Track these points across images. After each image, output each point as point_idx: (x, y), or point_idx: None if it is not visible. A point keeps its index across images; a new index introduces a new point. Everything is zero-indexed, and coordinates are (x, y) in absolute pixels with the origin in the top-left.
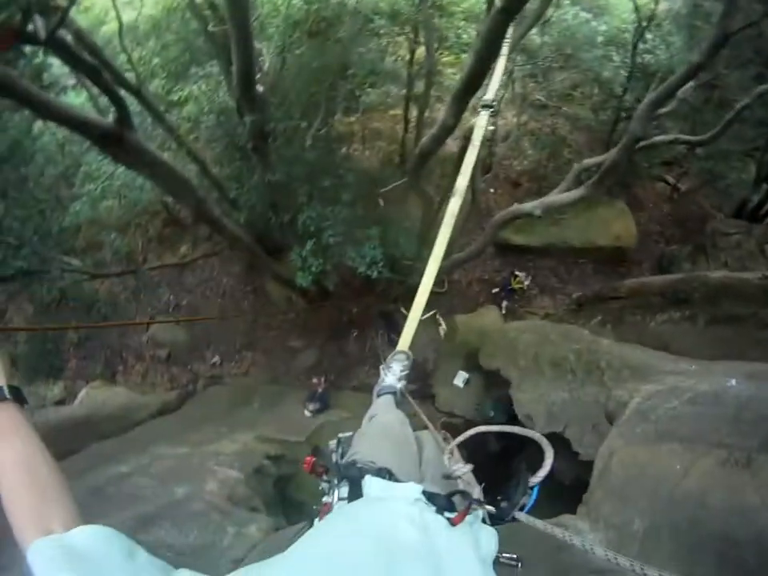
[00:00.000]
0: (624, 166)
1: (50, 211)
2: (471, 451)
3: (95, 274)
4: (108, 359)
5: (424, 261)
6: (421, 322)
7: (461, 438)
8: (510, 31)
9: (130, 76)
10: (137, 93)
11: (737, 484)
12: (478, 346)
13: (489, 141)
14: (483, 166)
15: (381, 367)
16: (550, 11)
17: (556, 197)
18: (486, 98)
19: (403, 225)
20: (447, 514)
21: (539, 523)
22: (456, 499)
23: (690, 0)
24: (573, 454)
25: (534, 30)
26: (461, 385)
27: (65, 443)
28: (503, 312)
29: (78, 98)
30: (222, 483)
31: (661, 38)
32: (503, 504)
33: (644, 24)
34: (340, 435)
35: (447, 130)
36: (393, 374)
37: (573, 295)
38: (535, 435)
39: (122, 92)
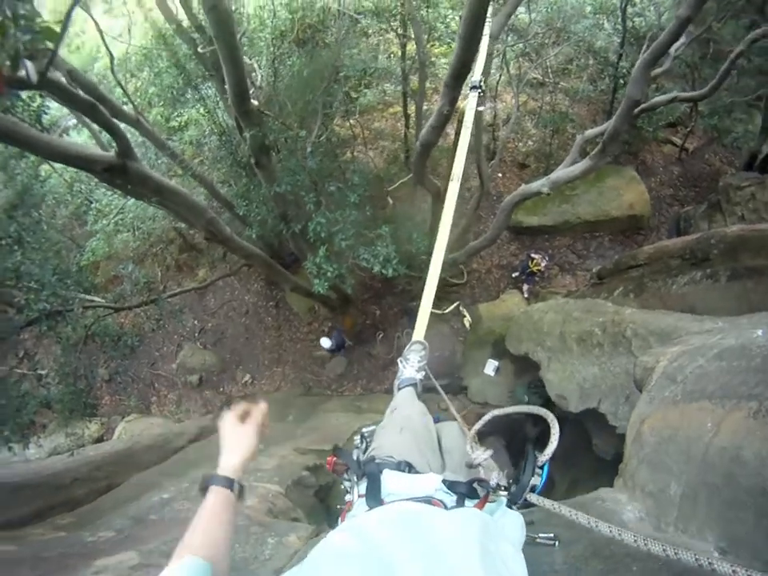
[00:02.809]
0: (626, 131)
1: (67, 251)
2: (509, 439)
3: (117, 308)
4: (141, 391)
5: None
6: (444, 316)
7: (478, 426)
8: (489, 11)
9: (127, 108)
10: (136, 123)
11: None
12: (504, 333)
13: (491, 125)
14: (488, 152)
15: (399, 360)
16: None
17: (562, 172)
18: (472, 79)
19: (414, 220)
20: (468, 502)
21: (548, 503)
22: (477, 486)
23: None
24: (611, 429)
25: (521, 9)
26: (491, 373)
27: (106, 478)
28: (525, 295)
29: (80, 136)
30: (261, 498)
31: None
32: (513, 488)
33: None
34: (363, 430)
35: (444, 119)
36: (411, 365)
37: (593, 269)
38: (541, 411)
39: (122, 125)
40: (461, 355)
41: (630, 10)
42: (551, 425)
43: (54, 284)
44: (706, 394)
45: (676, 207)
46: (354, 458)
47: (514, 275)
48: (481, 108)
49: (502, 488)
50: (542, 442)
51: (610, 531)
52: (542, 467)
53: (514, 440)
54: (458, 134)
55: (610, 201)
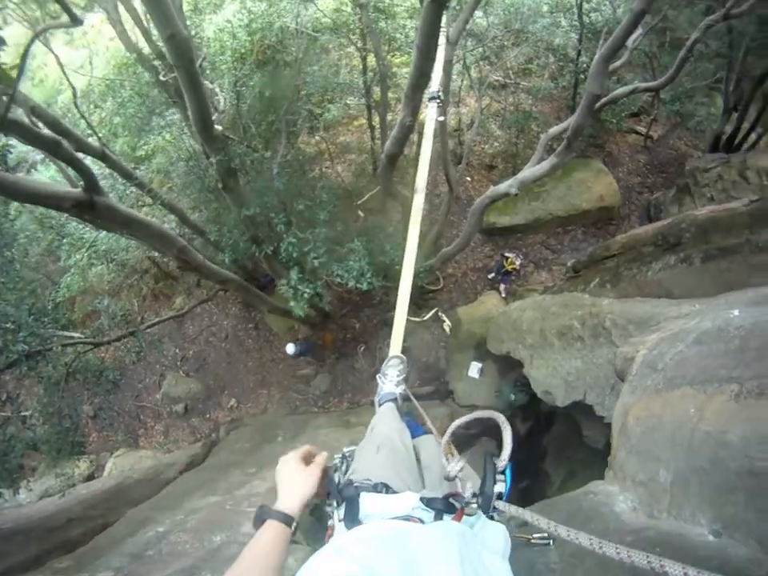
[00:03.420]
0: (589, 125)
1: (42, 289)
2: (499, 440)
3: (96, 343)
4: (127, 425)
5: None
6: (424, 323)
7: (445, 438)
8: (445, 19)
9: (93, 140)
10: (102, 156)
11: (754, 415)
12: (485, 334)
13: (456, 130)
14: (455, 157)
15: (377, 376)
16: None
17: (529, 171)
18: (431, 90)
19: (387, 231)
20: (447, 517)
21: (513, 509)
22: (453, 501)
23: None
24: (600, 419)
25: (478, 13)
26: (476, 376)
27: (101, 516)
28: (503, 295)
29: (47, 171)
30: None
31: None
32: (479, 499)
33: None
34: (345, 450)
35: (407, 130)
36: (389, 380)
37: (568, 263)
38: (493, 414)
39: (88, 158)
40: (444, 360)
41: (585, 6)
42: (503, 428)
43: (31, 324)
44: (687, 380)
45: (645, 195)
46: (336, 481)
47: (490, 276)
48: (441, 118)
49: (475, 500)
50: (531, 437)
51: (591, 543)
52: (503, 473)
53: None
54: (420, 144)
55: (579, 194)
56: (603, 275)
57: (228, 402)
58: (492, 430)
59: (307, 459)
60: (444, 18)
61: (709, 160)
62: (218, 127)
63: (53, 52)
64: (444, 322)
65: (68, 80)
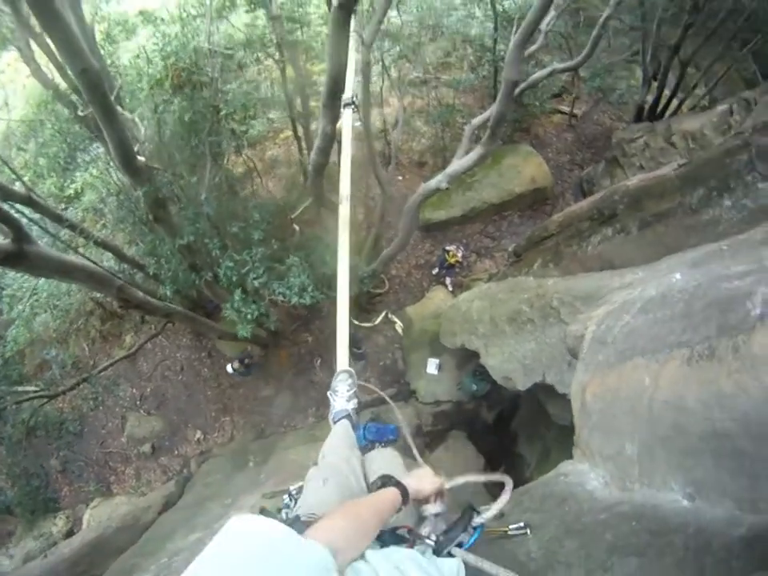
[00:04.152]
0: (512, 111)
1: None
2: (470, 430)
3: (50, 396)
4: (97, 474)
5: (355, 268)
6: (376, 327)
7: (450, 485)
8: (353, 24)
9: (18, 185)
10: (29, 202)
11: (708, 377)
12: (438, 330)
13: (382, 131)
14: (384, 158)
15: (328, 394)
16: None
17: (457, 164)
18: (345, 96)
19: (325, 241)
20: (394, 547)
21: (472, 558)
22: (404, 533)
23: None
24: (562, 396)
25: (392, 12)
26: (435, 372)
27: (86, 573)
28: (450, 288)
29: None
30: None
31: None
32: (441, 538)
33: None
34: (291, 488)
35: (329, 139)
36: (341, 396)
37: (509, 248)
38: (498, 476)
39: (16, 205)
40: (402, 361)
41: None
42: (503, 492)
43: None
44: (638, 351)
45: (576, 171)
46: (283, 518)
47: (434, 272)
48: (357, 123)
49: (432, 538)
50: (498, 426)
51: None
52: (475, 528)
53: (475, 429)
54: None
55: (511, 179)
56: (545, 256)
57: (194, 434)
58: (462, 425)
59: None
60: (355, 22)
61: (634, 130)
62: (141, 158)
63: None
64: (395, 323)
65: None
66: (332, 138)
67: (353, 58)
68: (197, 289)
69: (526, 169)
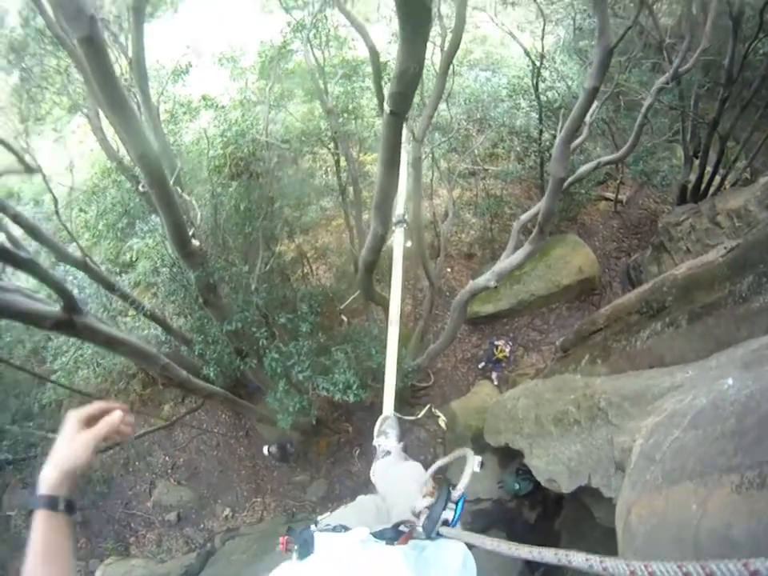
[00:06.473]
0: (558, 208)
1: (24, 395)
2: (509, 528)
3: None
4: (117, 532)
5: (400, 361)
6: (419, 421)
7: (427, 475)
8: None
9: (75, 249)
10: (83, 267)
11: (758, 509)
12: (482, 426)
13: (431, 222)
14: (433, 249)
15: (374, 444)
16: (449, 82)
17: (505, 262)
18: (396, 213)
19: (372, 334)
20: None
21: (465, 535)
22: (403, 527)
23: (570, 26)
24: (609, 499)
25: (441, 106)
26: (477, 469)
27: None
28: (495, 383)
29: (29, 280)
30: None
31: (556, 71)
32: (425, 521)
33: (537, 64)
34: (318, 518)
35: (380, 240)
36: (391, 438)
37: (556, 342)
38: (464, 451)
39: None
40: (443, 456)
41: (541, 85)
42: (467, 462)
43: (15, 432)
44: (687, 473)
45: (623, 258)
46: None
47: (480, 366)
48: (408, 244)
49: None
50: (543, 524)
51: (531, 554)
52: (456, 502)
53: (514, 529)
54: (389, 268)
55: (559, 271)
56: (593, 351)
57: (222, 511)
58: (502, 524)
59: (91, 421)
60: (407, 129)
61: (679, 213)
62: (196, 242)
63: (35, 161)
64: (439, 417)
65: (50, 191)
66: (382, 238)
67: (404, 174)
68: (239, 373)
69: (574, 259)
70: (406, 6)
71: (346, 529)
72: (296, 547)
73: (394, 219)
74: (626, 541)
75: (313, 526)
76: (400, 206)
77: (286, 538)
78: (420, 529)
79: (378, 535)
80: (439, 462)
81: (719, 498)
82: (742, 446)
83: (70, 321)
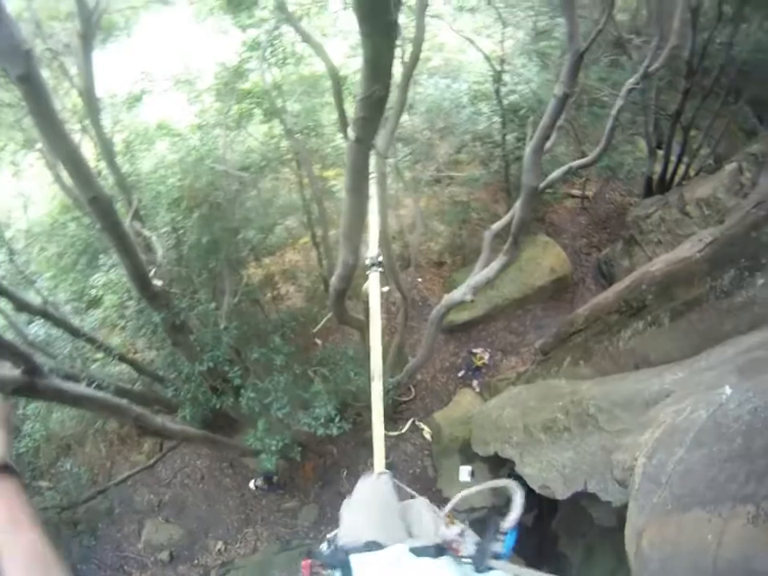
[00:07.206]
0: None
1: None
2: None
3: (64, 507)
4: None
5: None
6: (404, 435)
7: (448, 508)
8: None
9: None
10: (44, 314)
11: None
12: (468, 436)
13: (399, 233)
14: (402, 260)
15: None
16: (410, 92)
17: (481, 275)
18: (370, 255)
19: (348, 354)
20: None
21: (514, 569)
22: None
23: (529, 28)
24: (606, 502)
25: (403, 117)
26: (468, 479)
27: None
28: (477, 390)
29: None
30: None
31: (516, 74)
32: (476, 553)
33: (498, 68)
34: (328, 536)
35: (351, 268)
36: None
37: (536, 344)
38: (505, 482)
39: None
40: (432, 469)
41: (502, 89)
42: (513, 495)
43: None
44: (697, 499)
45: (594, 254)
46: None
47: (460, 374)
48: (385, 288)
49: (468, 556)
50: (539, 526)
51: None
52: (505, 534)
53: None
54: (366, 313)
55: (531, 273)
56: (574, 353)
57: (215, 545)
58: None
59: None
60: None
61: (648, 205)
62: (158, 282)
63: None
64: (423, 429)
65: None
66: (353, 268)
67: (375, 209)
68: (216, 411)
69: (545, 260)
70: (368, 23)
71: (378, 545)
72: (335, 573)
73: (367, 261)
74: (639, 567)
75: (324, 545)
76: (373, 246)
77: (309, 561)
78: (464, 559)
79: (418, 552)
80: (475, 489)
81: (735, 530)
82: (755, 472)
83: (31, 384)
